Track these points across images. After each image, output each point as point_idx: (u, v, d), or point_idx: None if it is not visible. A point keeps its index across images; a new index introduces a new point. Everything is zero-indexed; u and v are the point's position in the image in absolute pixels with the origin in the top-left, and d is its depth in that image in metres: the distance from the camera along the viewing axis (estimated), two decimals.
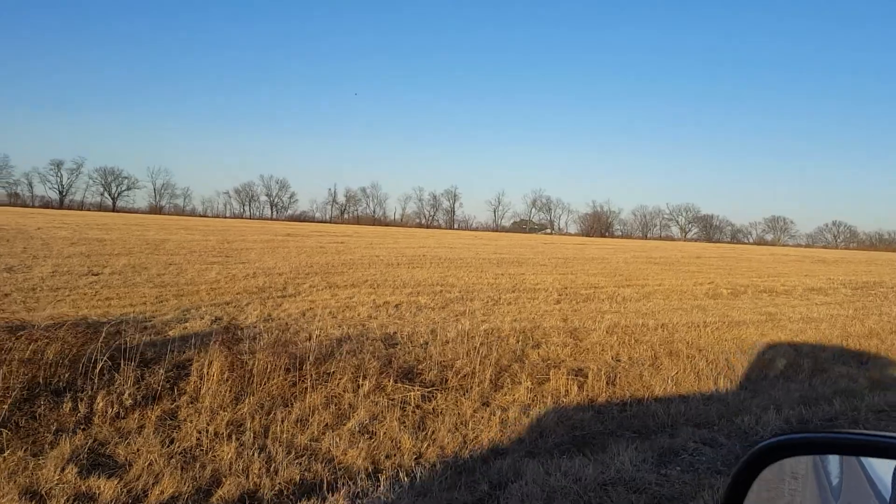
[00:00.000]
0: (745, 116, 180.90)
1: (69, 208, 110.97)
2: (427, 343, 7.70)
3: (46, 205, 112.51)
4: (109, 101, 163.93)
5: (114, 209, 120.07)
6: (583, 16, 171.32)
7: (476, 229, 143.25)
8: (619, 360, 7.70)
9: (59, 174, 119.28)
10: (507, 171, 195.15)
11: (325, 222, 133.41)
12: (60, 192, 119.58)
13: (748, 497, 1.30)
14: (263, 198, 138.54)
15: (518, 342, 8.20)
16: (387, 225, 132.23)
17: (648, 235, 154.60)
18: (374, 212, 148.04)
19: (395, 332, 8.39)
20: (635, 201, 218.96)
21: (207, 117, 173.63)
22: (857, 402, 6.59)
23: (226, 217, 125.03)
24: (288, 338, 7.20)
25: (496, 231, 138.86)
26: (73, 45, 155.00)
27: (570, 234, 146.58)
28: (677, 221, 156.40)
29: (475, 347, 7.57)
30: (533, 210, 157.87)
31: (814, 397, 6.74)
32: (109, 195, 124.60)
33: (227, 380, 5.85)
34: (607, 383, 6.80)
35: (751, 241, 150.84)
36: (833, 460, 1.57)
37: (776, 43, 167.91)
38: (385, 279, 14.45)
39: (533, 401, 6.15)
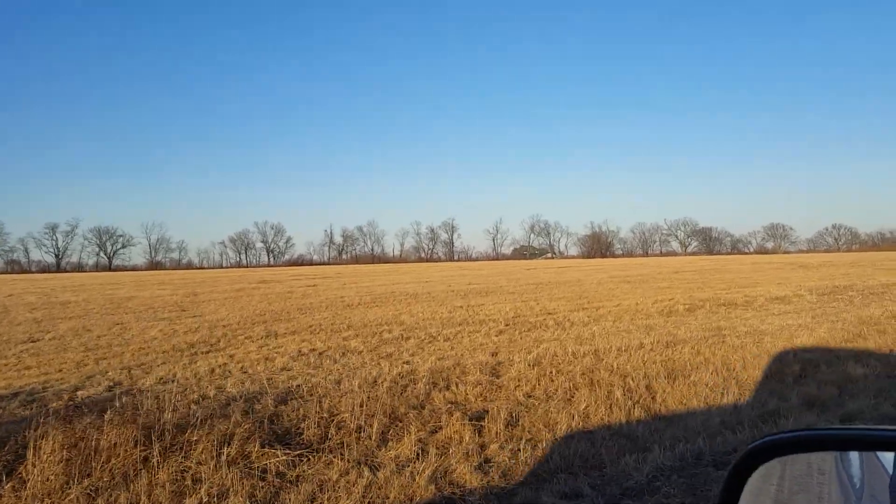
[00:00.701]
0: (737, 126, 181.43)
1: (65, 271, 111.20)
2: (324, 396, 7.15)
3: (44, 269, 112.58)
4: (100, 162, 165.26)
5: (110, 268, 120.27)
6: (572, 33, 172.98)
7: (476, 259, 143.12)
8: (530, 396, 7.14)
9: (54, 237, 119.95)
10: (504, 198, 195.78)
11: (324, 264, 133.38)
12: (56, 255, 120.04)
13: (742, 499, 1.32)
14: (259, 244, 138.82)
15: (427, 385, 7.64)
16: (385, 262, 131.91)
17: (649, 252, 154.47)
18: (372, 249, 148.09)
19: (299, 385, 7.85)
20: (634, 219, 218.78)
21: (198, 168, 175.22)
22: (783, 423, 6.03)
23: (221, 267, 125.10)
24: (160, 404, 6.65)
25: (496, 259, 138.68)
26: (60, 106, 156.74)
27: (571, 257, 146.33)
28: (676, 236, 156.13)
29: (376, 396, 7.04)
30: (532, 235, 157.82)
31: (736, 422, 6.17)
32: (105, 254, 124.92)
33: (63, 460, 5.31)
34: (507, 425, 6.24)
35: (751, 250, 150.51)
36: (855, 455, 1.56)
37: (765, 45, 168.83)
38: (332, 323, 13.92)
39: (419, 454, 5.59)
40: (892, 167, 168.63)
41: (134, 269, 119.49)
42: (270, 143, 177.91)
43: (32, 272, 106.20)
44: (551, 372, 7.97)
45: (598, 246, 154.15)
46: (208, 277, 50.46)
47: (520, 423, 6.34)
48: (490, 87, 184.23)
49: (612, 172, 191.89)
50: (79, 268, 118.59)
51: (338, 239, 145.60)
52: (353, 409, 6.59)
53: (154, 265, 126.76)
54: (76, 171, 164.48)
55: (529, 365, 8.38)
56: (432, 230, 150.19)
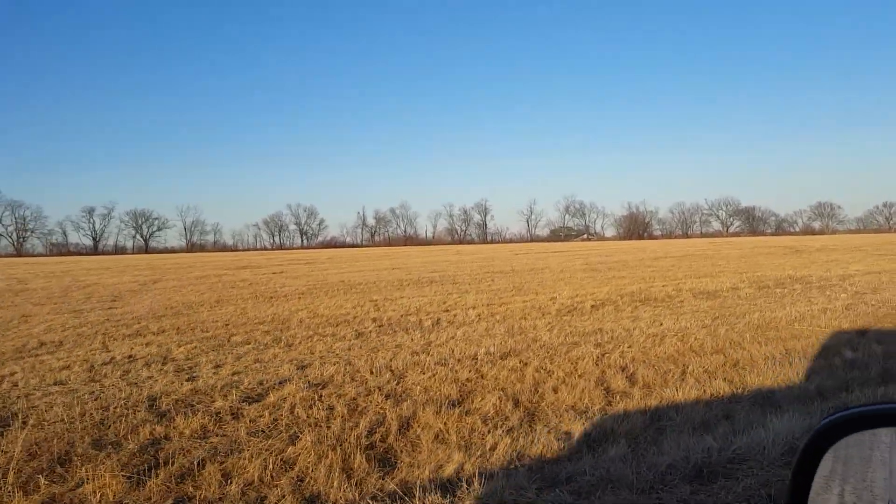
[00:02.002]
0: (780, 102, 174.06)
1: (103, 253, 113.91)
2: None
3: (81, 252, 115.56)
4: (137, 145, 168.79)
5: (146, 250, 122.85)
6: (605, 14, 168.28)
7: (511, 241, 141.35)
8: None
9: (91, 220, 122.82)
10: (538, 179, 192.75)
11: (357, 246, 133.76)
12: (94, 238, 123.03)
13: (816, 479, 1.30)
14: (293, 227, 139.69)
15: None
16: (417, 244, 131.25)
17: (689, 233, 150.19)
18: (404, 231, 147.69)
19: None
20: (672, 199, 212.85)
21: (233, 151, 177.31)
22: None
23: (257, 249, 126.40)
24: None
25: (529, 241, 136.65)
26: (96, 92, 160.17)
27: (608, 238, 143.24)
28: (717, 216, 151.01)
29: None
30: (566, 216, 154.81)
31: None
32: (141, 237, 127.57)
33: None
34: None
35: (797, 230, 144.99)
36: None
37: (805, 22, 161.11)
38: (204, 320, 12.84)
39: None
40: None
41: (171, 251, 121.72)
42: (304, 126, 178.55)
43: (69, 254, 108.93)
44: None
45: (635, 227, 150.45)
46: (199, 261, 50.00)
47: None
48: (523, 68, 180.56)
49: (649, 150, 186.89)
50: (118, 250, 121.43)
51: (370, 221, 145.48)
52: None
53: (190, 247, 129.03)
54: (113, 156, 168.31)
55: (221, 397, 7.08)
56: (465, 211, 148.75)
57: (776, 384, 6.55)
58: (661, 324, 10.34)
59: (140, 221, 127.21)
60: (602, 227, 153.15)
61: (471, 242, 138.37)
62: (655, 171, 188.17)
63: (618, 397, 6.39)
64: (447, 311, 12.82)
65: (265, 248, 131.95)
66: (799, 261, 26.16)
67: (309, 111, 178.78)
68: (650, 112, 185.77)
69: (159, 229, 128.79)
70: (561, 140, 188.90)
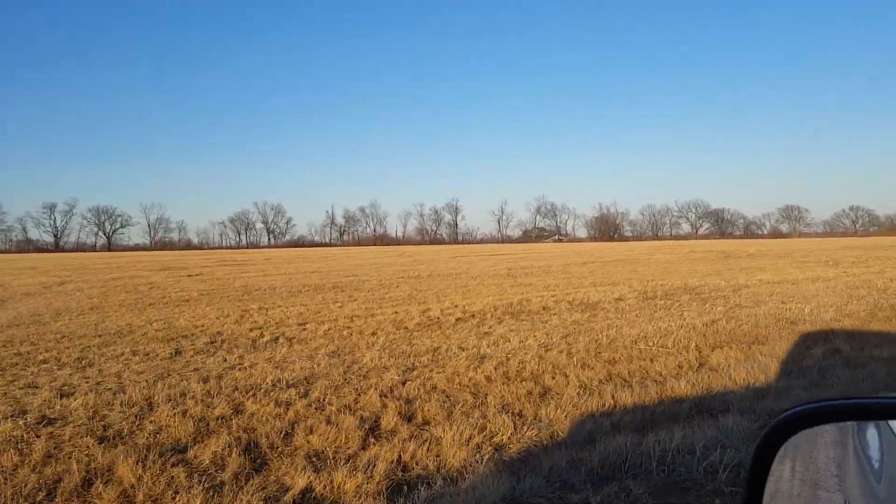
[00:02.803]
0: (750, 105, 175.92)
1: (63, 250, 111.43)
2: None
3: (41, 249, 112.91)
4: (99, 141, 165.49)
5: (109, 248, 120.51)
6: (580, 15, 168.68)
7: (482, 241, 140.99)
8: None
9: (52, 217, 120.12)
10: (509, 179, 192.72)
11: (326, 245, 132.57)
12: (55, 235, 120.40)
13: (772, 470, 1.32)
14: (260, 225, 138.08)
15: None
16: (387, 244, 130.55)
17: (659, 234, 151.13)
18: (374, 230, 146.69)
19: None
20: (643, 201, 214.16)
21: (198, 148, 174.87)
22: None
23: (222, 248, 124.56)
24: None
25: (500, 242, 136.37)
26: (60, 86, 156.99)
27: (578, 240, 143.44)
28: (687, 218, 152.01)
29: None
30: (538, 217, 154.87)
31: None
32: (104, 234, 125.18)
33: None
34: None
35: (765, 232, 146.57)
36: (872, 430, 1.58)
37: (780, 27, 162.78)
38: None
39: None
40: None
41: (134, 249, 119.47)
42: (272, 124, 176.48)
43: (30, 252, 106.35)
44: None
45: (606, 228, 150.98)
46: (122, 262, 48.13)
47: None
48: (495, 69, 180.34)
49: (621, 152, 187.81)
50: (80, 247, 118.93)
51: (340, 220, 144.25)
52: None
53: (155, 245, 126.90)
54: (75, 151, 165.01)
55: None
56: (436, 211, 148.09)
57: (565, 424, 5.81)
58: (509, 341, 9.59)
59: (103, 218, 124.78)
60: (573, 229, 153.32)
61: (441, 242, 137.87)
62: (627, 173, 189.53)
63: (383, 437, 5.63)
64: (304, 323, 11.99)
65: (231, 247, 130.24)
66: (717, 268, 25.51)
67: (278, 109, 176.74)
68: (622, 114, 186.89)
69: (122, 226, 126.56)
70: (533, 141, 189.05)
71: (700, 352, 8.61)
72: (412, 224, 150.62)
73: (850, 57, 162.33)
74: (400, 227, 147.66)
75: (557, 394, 6.79)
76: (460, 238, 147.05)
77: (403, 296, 16.56)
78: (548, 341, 9.49)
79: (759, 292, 15.49)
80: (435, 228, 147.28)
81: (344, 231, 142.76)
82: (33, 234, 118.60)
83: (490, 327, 11.04)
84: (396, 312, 13.04)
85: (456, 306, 13.72)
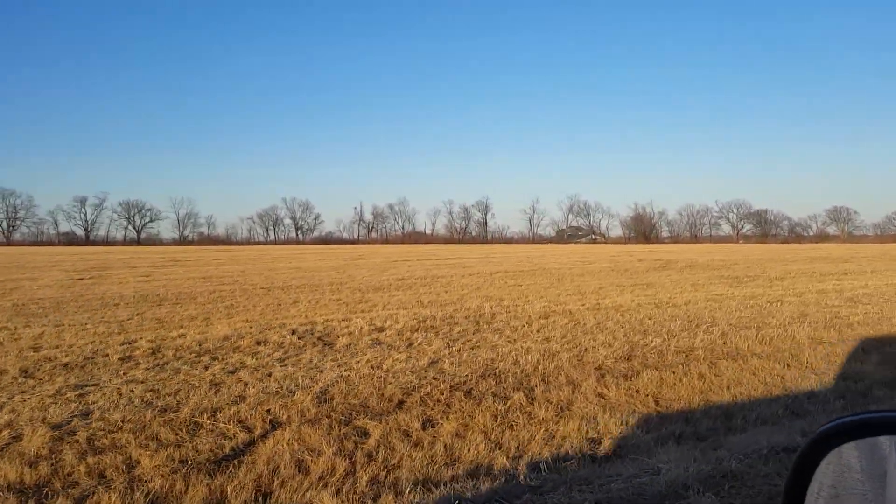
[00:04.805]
0: (796, 101, 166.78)
1: (93, 243, 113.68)
2: None
3: (71, 241, 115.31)
4: (130, 135, 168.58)
5: (138, 242, 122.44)
6: (612, 9, 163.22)
7: (511, 240, 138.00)
8: None
9: (82, 210, 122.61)
10: (541, 177, 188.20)
11: (353, 242, 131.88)
12: (85, 229, 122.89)
13: (811, 487, 1.30)
14: (288, 221, 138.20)
15: None
16: (415, 242, 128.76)
17: (698, 236, 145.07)
18: (403, 228, 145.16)
19: None
20: (682, 200, 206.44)
21: (229, 143, 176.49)
22: None
23: (250, 244, 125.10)
24: None
25: (531, 242, 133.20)
26: (89, 80, 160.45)
27: (611, 241, 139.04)
28: (728, 219, 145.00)
29: None
30: (570, 216, 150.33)
31: None
32: (134, 228, 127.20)
33: None
34: None
35: (811, 234, 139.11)
36: None
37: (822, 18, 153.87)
38: None
39: None
40: None
41: (161, 243, 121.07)
42: (301, 120, 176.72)
43: (59, 244, 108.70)
44: None
45: (641, 228, 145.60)
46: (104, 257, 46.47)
47: None
48: (526, 64, 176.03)
49: (659, 150, 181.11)
50: (109, 241, 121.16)
51: (368, 217, 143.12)
52: None
53: (182, 240, 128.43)
54: (107, 145, 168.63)
55: None
56: (465, 209, 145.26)
57: None
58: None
59: (132, 212, 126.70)
60: (608, 228, 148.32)
61: (471, 241, 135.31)
62: (665, 171, 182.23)
63: None
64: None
65: (259, 243, 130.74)
66: (624, 281, 22.17)
67: (307, 105, 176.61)
68: (659, 111, 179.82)
69: (151, 220, 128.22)
70: (566, 138, 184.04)
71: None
72: (441, 222, 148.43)
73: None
74: (429, 224, 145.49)
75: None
76: (490, 237, 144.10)
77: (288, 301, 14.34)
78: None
79: (562, 322, 12.62)
80: (464, 226, 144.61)
81: (372, 228, 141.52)
82: (64, 227, 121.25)
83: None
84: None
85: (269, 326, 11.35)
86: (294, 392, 7.15)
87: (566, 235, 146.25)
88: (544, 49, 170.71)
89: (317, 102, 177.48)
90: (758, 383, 8.39)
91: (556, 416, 6.63)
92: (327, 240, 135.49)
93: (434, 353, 9.49)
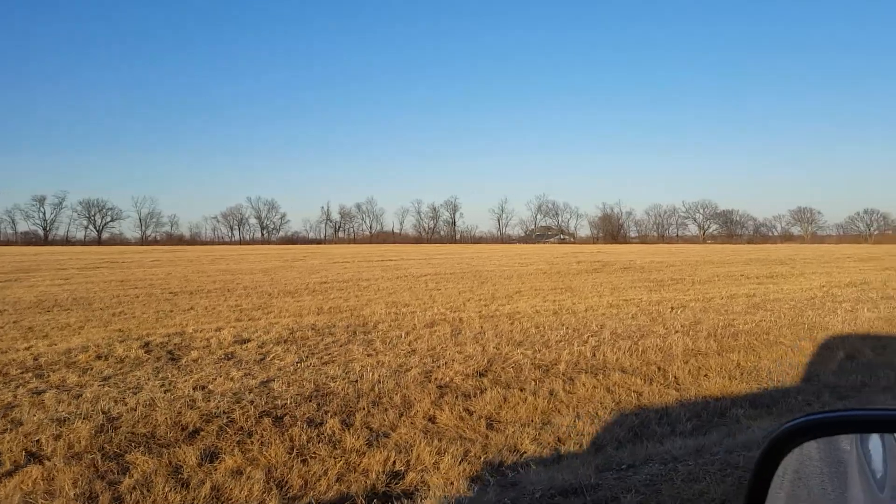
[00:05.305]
0: (761, 103, 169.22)
1: (52, 243, 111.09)
2: None
3: (29, 241, 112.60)
4: (90, 133, 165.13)
5: (99, 242, 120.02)
6: (583, 13, 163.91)
7: (480, 240, 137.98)
8: None
9: (41, 209, 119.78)
10: (510, 177, 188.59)
11: (320, 242, 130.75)
12: (44, 228, 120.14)
13: (773, 483, 1.30)
14: (253, 220, 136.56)
15: None
16: (382, 242, 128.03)
17: (665, 236, 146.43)
18: (370, 227, 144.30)
19: None
20: (650, 200, 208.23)
21: (193, 141, 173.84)
22: None
23: (214, 243, 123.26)
24: None
25: (500, 242, 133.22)
26: (48, 78, 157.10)
27: (577, 241, 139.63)
28: (694, 219, 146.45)
29: None
30: (539, 216, 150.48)
31: None
32: (94, 227, 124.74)
33: None
34: None
35: (775, 234, 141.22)
36: (874, 441, 1.57)
37: (791, 23, 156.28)
38: None
39: None
40: None
41: (124, 243, 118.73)
42: (267, 118, 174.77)
43: (18, 244, 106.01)
44: None
45: (609, 228, 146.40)
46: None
47: None
48: (493, 66, 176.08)
49: (626, 151, 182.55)
50: (69, 241, 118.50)
51: (335, 216, 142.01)
52: None
53: (144, 240, 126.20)
54: (65, 143, 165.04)
55: None
56: (434, 209, 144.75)
57: None
58: None
59: (93, 212, 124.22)
60: (576, 228, 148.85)
61: (439, 241, 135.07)
62: (633, 172, 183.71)
63: None
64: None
65: (225, 243, 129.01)
66: (545, 285, 21.81)
67: (274, 103, 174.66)
68: (628, 111, 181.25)
69: (113, 220, 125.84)
70: (536, 138, 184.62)
71: None
72: (409, 221, 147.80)
73: (866, 53, 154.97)
74: (397, 223, 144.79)
75: None
76: (459, 236, 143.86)
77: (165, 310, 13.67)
78: None
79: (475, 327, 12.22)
80: (433, 226, 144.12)
81: (339, 227, 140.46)
82: (22, 226, 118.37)
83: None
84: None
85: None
86: (74, 420, 6.60)
87: (535, 235, 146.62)
88: (512, 51, 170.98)
89: (284, 100, 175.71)
90: (610, 402, 8.06)
91: (367, 445, 6.19)
92: (294, 239, 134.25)
93: (279, 369, 9.02)
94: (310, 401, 7.50)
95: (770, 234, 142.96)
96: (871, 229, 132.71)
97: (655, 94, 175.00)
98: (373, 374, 8.58)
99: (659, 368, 9.68)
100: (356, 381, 8.34)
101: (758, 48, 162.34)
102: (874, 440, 1.55)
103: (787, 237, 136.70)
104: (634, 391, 8.62)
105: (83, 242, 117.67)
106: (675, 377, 9.40)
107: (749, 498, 1.30)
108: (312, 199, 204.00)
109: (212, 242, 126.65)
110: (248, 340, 10.98)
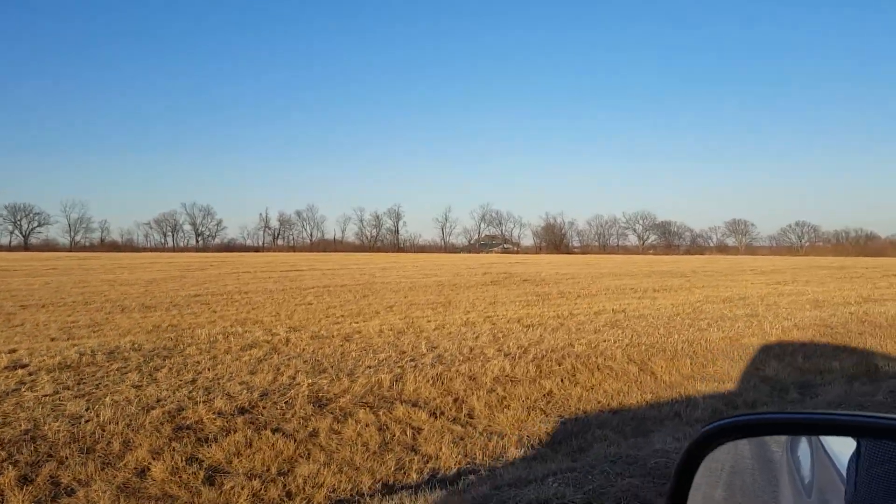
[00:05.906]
0: (701, 118, 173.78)
1: None
2: None
3: None
4: (17, 134, 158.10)
5: (26, 248, 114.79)
6: (525, 20, 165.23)
7: (424, 248, 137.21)
8: None
9: None
10: (454, 186, 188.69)
11: (257, 249, 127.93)
12: None
13: (695, 484, 1.29)
14: (188, 227, 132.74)
15: None
16: (323, 250, 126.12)
17: (606, 246, 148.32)
18: (311, 235, 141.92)
19: None
20: (592, 211, 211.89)
21: (124, 144, 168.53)
22: None
23: (146, 250, 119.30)
24: None
25: (444, 251, 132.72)
26: None
27: (520, 251, 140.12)
28: (634, 230, 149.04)
29: None
30: (482, 225, 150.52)
31: None
32: (21, 233, 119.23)
33: None
34: None
35: (711, 245, 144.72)
36: (804, 446, 1.58)
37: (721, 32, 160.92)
38: None
39: None
40: (864, 163, 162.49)
41: (53, 249, 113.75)
42: (203, 122, 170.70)
43: None
44: None
45: (552, 238, 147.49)
46: None
47: None
48: (435, 74, 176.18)
49: (569, 161, 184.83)
50: None
51: (274, 223, 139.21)
52: None
53: (74, 246, 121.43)
54: None
55: None
56: (377, 217, 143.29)
57: None
58: None
59: (19, 216, 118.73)
60: (520, 238, 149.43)
61: (381, 249, 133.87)
62: (576, 182, 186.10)
63: None
64: None
65: (158, 249, 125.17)
66: (428, 299, 20.89)
67: (210, 106, 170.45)
68: (571, 121, 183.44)
69: (40, 225, 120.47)
70: (479, 147, 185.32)
71: None
72: (351, 229, 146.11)
73: (800, 67, 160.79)
74: (339, 231, 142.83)
75: None
76: (401, 245, 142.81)
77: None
78: None
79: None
80: (375, 234, 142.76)
81: (278, 235, 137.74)
82: None
83: None
84: None
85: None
86: None
87: (479, 245, 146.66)
88: (456, 59, 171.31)
89: (219, 104, 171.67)
90: (375, 443, 7.28)
91: None
92: (230, 247, 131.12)
93: None
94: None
95: (707, 244, 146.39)
96: (803, 241, 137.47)
97: (599, 104, 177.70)
98: (116, 412, 7.54)
99: (456, 399, 8.94)
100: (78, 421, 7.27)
101: (693, 60, 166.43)
102: (803, 446, 1.56)
103: (722, 248, 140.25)
104: (413, 428, 7.86)
105: (9, 249, 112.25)
106: (469, 410, 8.69)
107: (670, 500, 1.29)
108: (251, 206, 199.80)
109: (143, 249, 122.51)
110: (25, 366, 9.78)
